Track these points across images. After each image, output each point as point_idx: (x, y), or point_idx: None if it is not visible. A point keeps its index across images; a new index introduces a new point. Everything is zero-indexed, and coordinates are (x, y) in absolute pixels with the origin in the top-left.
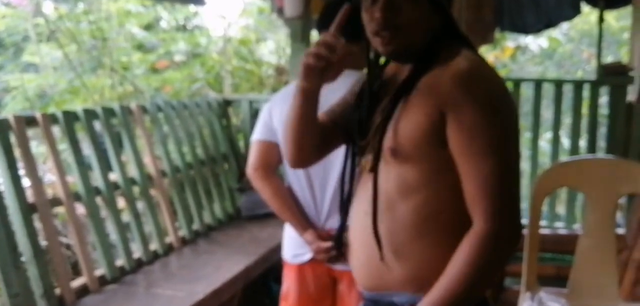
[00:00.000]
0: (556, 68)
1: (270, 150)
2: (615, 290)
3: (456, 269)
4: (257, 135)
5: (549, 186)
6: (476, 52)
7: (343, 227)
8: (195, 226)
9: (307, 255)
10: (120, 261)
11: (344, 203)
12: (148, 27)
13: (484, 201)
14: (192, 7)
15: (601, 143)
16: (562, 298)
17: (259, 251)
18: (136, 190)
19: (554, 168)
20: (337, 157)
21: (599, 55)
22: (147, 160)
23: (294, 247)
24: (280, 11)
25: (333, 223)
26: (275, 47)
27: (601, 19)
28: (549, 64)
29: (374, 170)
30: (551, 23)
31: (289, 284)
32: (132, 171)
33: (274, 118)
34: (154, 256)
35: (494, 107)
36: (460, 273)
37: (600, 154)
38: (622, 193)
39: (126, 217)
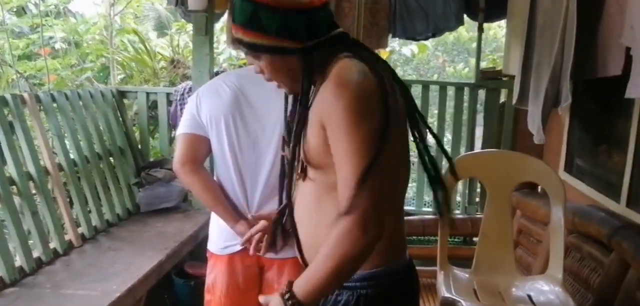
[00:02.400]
0: (413, 71)
1: (198, 143)
2: (513, 265)
3: (319, 258)
4: (184, 128)
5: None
6: (360, 52)
7: (283, 217)
8: (94, 222)
9: (238, 246)
10: (18, 262)
11: (288, 200)
12: (18, 13)
13: (343, 199)
14: None
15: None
16: (470, 275)
17: (169, 245)
18: (32, 185)
19: (457, 161)
20: (268, 150)
21: (477, 61)
22: (43, 153)
23: (224, 239)
24: (178, 2)
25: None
26: (168, 41)
27: (481, 30)
28: (407, 68)
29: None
30: (438, 31)
31: (215, 275)
32: (27, 165)
33: (203, 112)
34: (54, 255)
35: (356, 112)
36: (321, 262)
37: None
38: (516, 182)
39: (22, 213)
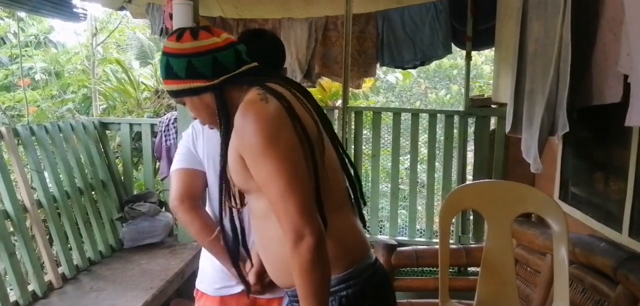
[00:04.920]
0: (396, 98)
1: (195, 178)
2: (516, 300)
3: (298, 286)
4: (180, 163)
5: (453, 208)
6: (269, 80)
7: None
8: (76, 261)
9: (236, 288)
10: None
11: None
12: None
13: (281, 223)
14: (50, 22)
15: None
16: None
17: (155, 284)
18: (9, 223)
19: (457, 191)
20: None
21: (467, 89)
22: (21, 189)
23: (220, 279)
24: (163, 32)
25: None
26: (152, 71)
27: (469, 58)
28: (389, 95)
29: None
30: (426, 59)
31: None
32: (4, 202)
33: (199, 147)
34: (33, 298)
35: (264, 136)
36: (299, 289)
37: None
38: (516, 213)
39: None
